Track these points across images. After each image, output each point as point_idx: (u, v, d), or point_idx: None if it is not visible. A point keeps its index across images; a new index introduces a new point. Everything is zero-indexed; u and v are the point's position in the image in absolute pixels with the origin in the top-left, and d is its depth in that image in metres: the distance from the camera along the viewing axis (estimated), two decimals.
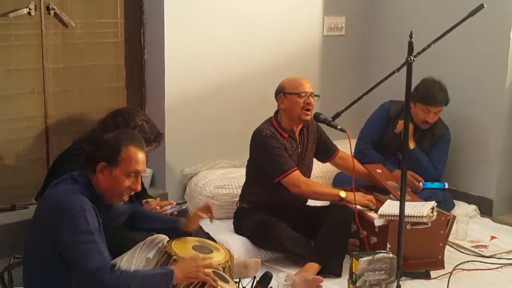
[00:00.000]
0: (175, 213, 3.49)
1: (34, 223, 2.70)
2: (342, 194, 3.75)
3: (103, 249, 2.57)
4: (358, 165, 4.03)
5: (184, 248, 3.01)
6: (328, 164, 4.32)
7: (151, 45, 4.44)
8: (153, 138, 3.50)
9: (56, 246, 2.55)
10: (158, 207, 3.50)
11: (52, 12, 3.96)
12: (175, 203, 3.67)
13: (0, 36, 3.82)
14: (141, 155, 2.73)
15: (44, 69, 4.02)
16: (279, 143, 3.77)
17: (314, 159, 4.07)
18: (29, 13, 3.87)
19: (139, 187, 2.77)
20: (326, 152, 4.09)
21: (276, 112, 3.91)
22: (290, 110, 3.80)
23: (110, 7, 4.26)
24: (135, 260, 3.03)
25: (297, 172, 3.75)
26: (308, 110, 3.79)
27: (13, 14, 3.81)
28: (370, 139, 4.52)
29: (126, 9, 4.33)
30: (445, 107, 4.46)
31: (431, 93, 4.29)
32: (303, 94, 3.77)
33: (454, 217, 3.84)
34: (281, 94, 3.82)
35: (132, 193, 2.79)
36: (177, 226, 3.15)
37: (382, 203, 3.77)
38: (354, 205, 3.70)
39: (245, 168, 4.05)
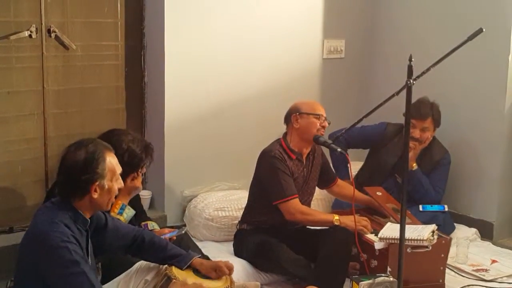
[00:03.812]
0: (174, 237, 3.46)
1: (20, 257, 2.68)
2: (336, 222, 3.72)
3: (92, 278, 2.56)
4: (357, 194, 4.02)
5: (185, 271, 2.99)
6: None
7: (151, 68, 4.46)
8: (145, 155, 3.41)
9: (43, 279, 2.55)
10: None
11: (53, 34, 3.98)
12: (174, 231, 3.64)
13: (1, 58, 3.84)
14: (113, 157, 2.76)
15: (44, 91, 4.03)
16: (286, 166, 3.76)
17: None
18: (30, 35, 3.89)
19: (123, 183, 2.80)
20: (327, 180, 4.10)
21: (285, 134, 3.90)
22: (306, 130, 3.79)
23: (111, 29, 4.28)
24: (133, 281, 2.99)
25: (296, 200, 3.74)
26: (323, 132, 3.81)
27: (14, 36, 3.83)
28: (348, 137, 4.44)
29: (126, 32, 4.36)
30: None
31: (416, 107, 4.25)
32: (320, 117, 3.79)
33: (451, 239, 3.83)
34: (297, 114, 3.81)
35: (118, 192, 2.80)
36: (187, 263, 3.03)
37: (382, 226, 3.76)
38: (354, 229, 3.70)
39: (244, 190, 4.04)
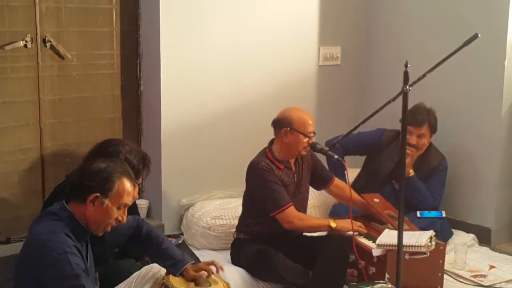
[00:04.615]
0: None
1: (19, 265, 2.68)
2: (333, 224, 3.74)
3: None
4: (354, 195, 4.01)
5: (182, 280, 2.99)
6: (325, 195, 4.31)
7: (147, 76, 4.45)
8: (142, 166, 3.36)
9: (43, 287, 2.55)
10: None
11: (48, 44, 3.98)
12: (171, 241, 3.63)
13: None
14: (131, 187, 2.75)
15: (40, 101, 4.03)
16: (275, 176, 3.75)
17: (310, 187, 4.06)
18: (25, 45, 3.89)
19: (125, 219, 2.77)
20: (322, 180, 4.08)
21: (271, 143, 3.89)
22: (293, 146, 3.78)
23: (106, 38, 4.28)
24: None
25: (292, 208, 3.74)
26: (307, 148, 3.80)
27: (10, 46, 3.83)
28: (345, 144, 4.45)
29: (122, 41, 4.35)
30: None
31: (412, 113, 4.23)
32: (309, 135, 3.77)
33: (445, 245, 3.82)
34: (288, 129, 3.77)
35: (116, 224, 2.77)
36: (179, 270, 3.04)
37: (380, 232, 3.76)
38: (350, 234, 3.70)
39: (241, 198, 4.03)
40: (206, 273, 3.07)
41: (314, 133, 3.82)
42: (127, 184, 2.72)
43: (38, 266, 2.55)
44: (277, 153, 3.83)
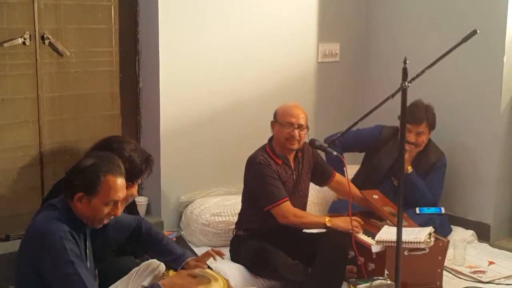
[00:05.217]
0: (174, 239, 3.46)
1: (19, 255, 2.70)
2: (328, 223, 3.74)
3: (87, 279, 2.56)
4: (354, 190, 4.01)
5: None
6: (325, 191, 4.32)
7: (146, 73, 4.45)
8: (145, 166, 3.32)
9: (43, 276, 2.57)
10: None
11: (47, 41, 3.97)
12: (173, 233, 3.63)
13: None
14: (120, 182, 2.71)
15: (39, 98, 4.02)
16: (272, 171, 3.75)
17: (311, 183, 4.06)
18: (24, 42, 3.88)
19: (119, 212, 2.77)
20: (323, 176, 4.08)
21: (271, 138, 3.90)
22: (278, 137, 3.80)
23: (105, 35, 4.28)
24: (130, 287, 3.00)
25: (288, 203, 3.73)
26: (292, 141, 3.78)
27: (8, 43, 3.83)
28: (344, 141, 4.41)
29: (121, 38, 4.35)
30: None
31: (410, 111, 4.21)
32: (288, 126, 3.74)
33: (448, 242, 3.82)
34: (273, 120, 3.83)
35: (112, 217, 2.77)
36: (181, 264, 3.07)
37: (379, 229, 3.76)
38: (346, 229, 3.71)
39: (241, 195, 4.03)
40: (203, 269, 3.08)
41: (307, 127, 3.79)
42: (114, 181, 2.69)
43: (36, 254, 2.57)
44: (275, 147, 3.83)
